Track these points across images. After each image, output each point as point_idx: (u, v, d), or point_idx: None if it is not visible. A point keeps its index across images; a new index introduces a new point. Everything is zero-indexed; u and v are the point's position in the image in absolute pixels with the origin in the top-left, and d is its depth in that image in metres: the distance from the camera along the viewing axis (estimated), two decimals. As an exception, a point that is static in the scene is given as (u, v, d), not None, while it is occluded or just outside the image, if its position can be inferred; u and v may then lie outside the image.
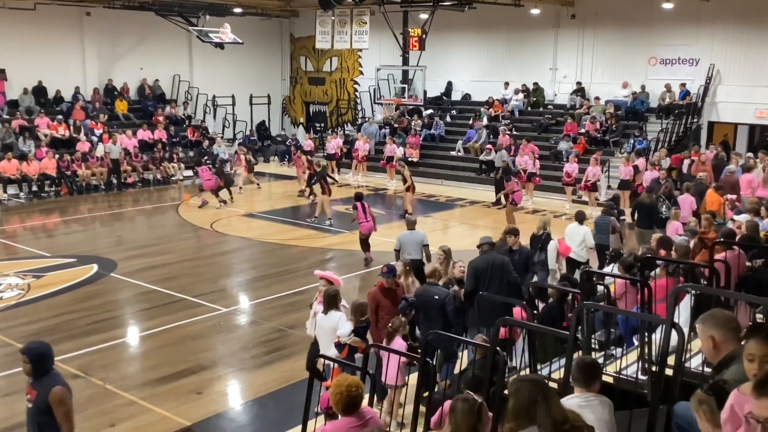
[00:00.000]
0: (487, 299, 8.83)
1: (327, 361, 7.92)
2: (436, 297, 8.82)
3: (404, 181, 19.90)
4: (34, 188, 22.43)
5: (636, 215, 14.96)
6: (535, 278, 11.57)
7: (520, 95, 27.17)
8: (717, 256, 8.09)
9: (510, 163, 22.69)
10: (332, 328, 8.18)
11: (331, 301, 8.29)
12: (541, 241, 12.18)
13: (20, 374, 9.76)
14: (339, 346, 8.00)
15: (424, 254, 12.18)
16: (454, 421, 4.31)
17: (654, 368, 5.98)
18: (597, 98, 25.30)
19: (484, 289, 9.20)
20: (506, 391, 4.30)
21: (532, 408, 3.81)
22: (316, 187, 20.10)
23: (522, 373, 6.72)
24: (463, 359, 8.27)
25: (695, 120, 23.66)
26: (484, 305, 8.84)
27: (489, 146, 24.73)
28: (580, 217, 13.03)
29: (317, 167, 20.53)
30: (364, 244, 15.29)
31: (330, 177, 20.01)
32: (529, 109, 27.16)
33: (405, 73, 28.04)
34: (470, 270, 9.59)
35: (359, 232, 15.31)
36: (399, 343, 7.82)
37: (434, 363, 7.38)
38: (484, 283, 9.38)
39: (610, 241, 13.06)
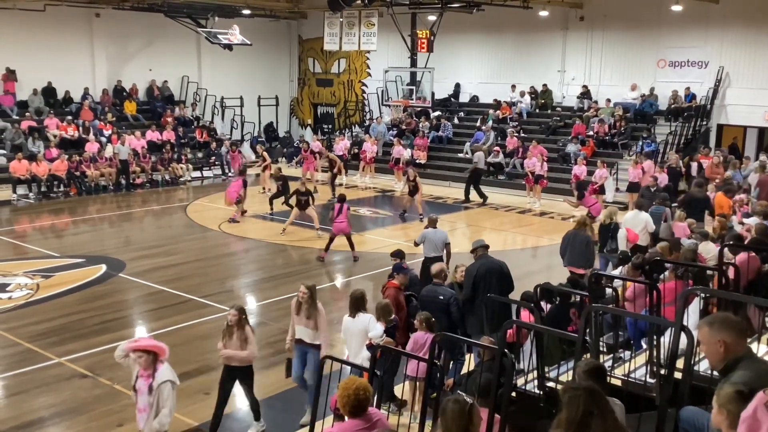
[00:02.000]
0: (494, 302, 8.84)
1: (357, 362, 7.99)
2: (441, 297, 8.88)
3: (413, 182, 19.77)
4: (44, 189, 22.52)
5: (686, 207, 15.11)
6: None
7: (527, 97, 27.14)
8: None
9: (482, 163, 22.78)
10: (362, 330, 8.10)
11: (359, 303, 8.24)
12: (610, 230, 13.21)
13: (29, 373, 9.86)
14: (372, 347, 7.90)
15: (445, 252, 12.30)
16: (445, 423, 4.29)
17: (663, 371, 5.97)
18: (608, 100, 25.21)
19: (483, 296, 9.14)
20: (560, 395, 4.05)
21: (587, 420, 3.66)
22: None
23: (530, 375, 6.70)
24: (470, 361, 8.28)
25: (704, 123, 23.60)
26: (490, 309, 8.84)
27: (497, 148, 24.73)
28: (640, 205, 13.89)
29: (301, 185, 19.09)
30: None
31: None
32: (537, 111, 27.14)
33: (413, 74, 28.04)
34: (467, 276, 9.43)
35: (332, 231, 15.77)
36: (425, 337, 7.89)
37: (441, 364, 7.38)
38: (483, 288, 9.24)
39: (660, 229, 13.64)
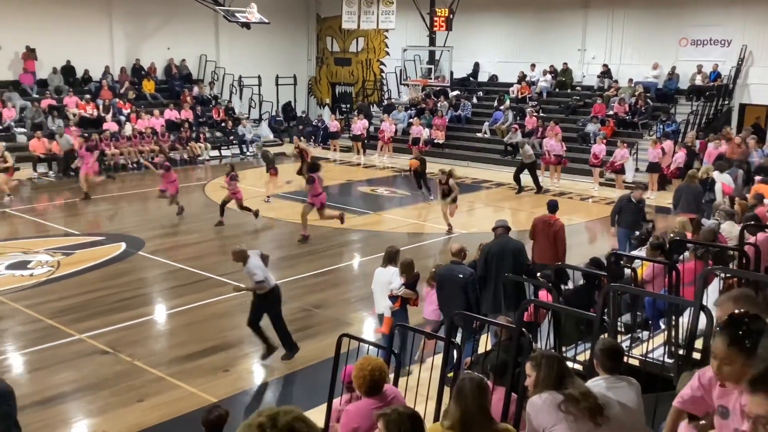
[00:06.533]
0: (508, 281, 8.88)
1: (379, 311, 9.30)
2: (461, 276, 8.89)
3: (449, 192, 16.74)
4: (64, 167, 22.65)
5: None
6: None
7: (548, 76, 26.89)
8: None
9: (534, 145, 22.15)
10: (387, 281, 9.09)
11: (392, 257, 9.32)
12: (708, 183, 14.78)
13: (50, 349, 10.00)
14: (392, 297, 8.94)
15: None
16: (464, 402, 4.24)
17: (681, 351, 5.94)
18: (630, 79, 24.88)
19: (495, 274, 9.28)
20: (528, 363, 4.46)
21: (562, 382, 4.24)
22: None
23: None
24: (485, 340, 8.28)
25: (726, 102, 23.30)
26: (503, 288, 8.90)
27: (515, 126, 24.52)
28: (722, 167, 15.55)
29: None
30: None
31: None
32: (557, 90, 26.90)
33: (431, 53, 27.87)
34: (481, 254, 9.56)
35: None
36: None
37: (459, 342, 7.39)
38: (495, 267, 9.32)
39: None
